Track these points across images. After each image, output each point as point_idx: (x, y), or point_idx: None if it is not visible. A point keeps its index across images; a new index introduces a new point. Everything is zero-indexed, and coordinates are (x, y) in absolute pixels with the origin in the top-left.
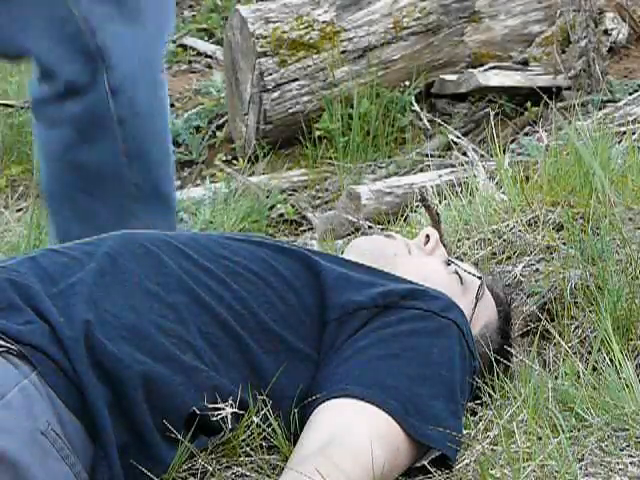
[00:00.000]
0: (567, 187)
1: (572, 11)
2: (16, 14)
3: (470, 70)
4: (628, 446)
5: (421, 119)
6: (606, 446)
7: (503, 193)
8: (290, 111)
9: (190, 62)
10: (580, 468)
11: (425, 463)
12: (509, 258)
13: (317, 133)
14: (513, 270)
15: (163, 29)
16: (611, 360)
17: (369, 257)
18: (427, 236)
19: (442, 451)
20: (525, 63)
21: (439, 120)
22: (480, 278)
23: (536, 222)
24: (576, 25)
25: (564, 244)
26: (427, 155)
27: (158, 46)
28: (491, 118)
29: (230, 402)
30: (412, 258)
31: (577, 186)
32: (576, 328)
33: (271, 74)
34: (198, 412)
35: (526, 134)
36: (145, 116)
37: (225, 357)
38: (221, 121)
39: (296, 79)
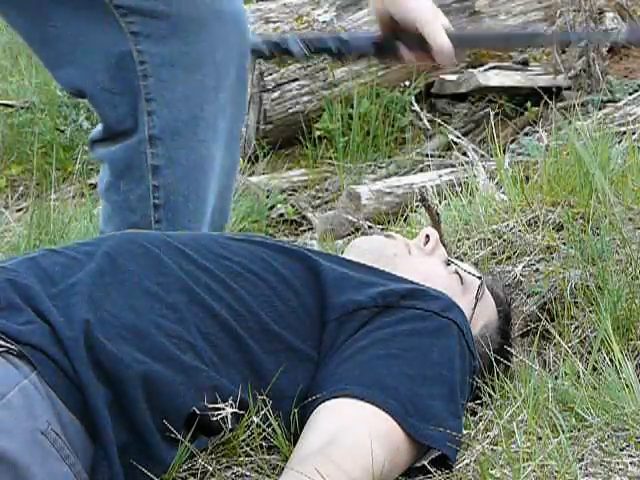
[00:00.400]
0: (567, 187)
1: (572, 11)
2: (76, 48)
3: (470, 70)
4: (628, 446)
5: (421, 119)
6: (606, 446)
7: (503, 193)
8: (290, 111)
9: None
10: (580, 468)
11: (425, 463)
12: (509, 258)
13: (317, 133)
14: (513, 270)
15: (220, 89)
16: (611, 360)
17: (369, 257)
18: (427, 236)
19: (442, 451)
20: (525, 63)
21: (439, 120)
22: (480, 278)
23: (536, 222)
24: (576, 25)
25: (564, 244)
26: (427, 155)
27: (210, 104)
28: (491, 118)
29: (230, 402)
30: (412, 258)
31: (577, 186)
32: (576, 328)
33: (271, 74)
34: (198, 412)
35: (526, 134)
36: (180, 169)
37: (225, 357)
38: None
39: (296, 79)
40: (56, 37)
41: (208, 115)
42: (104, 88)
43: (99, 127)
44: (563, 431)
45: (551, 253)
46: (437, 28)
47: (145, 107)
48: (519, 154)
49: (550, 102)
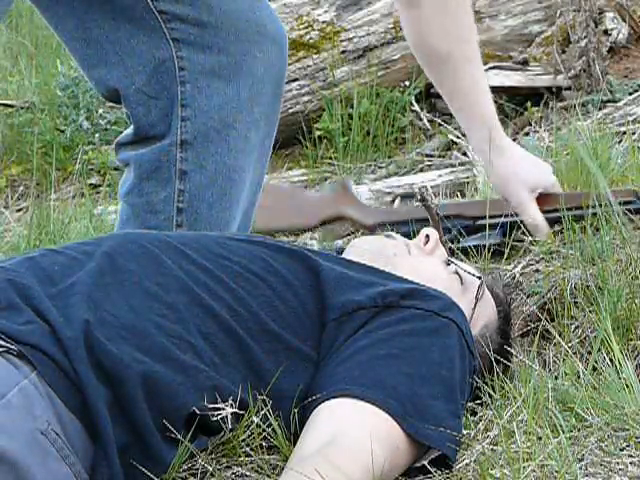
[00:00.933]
0: (567, 187)
1: (572, 11)
2: (119, 49)
3: None
4: (628, 446)
5: (421, 119)
6: (606, 446)
7: None
8: (290, 111)
9: None
10: (580, 468)
11: (425, 463)
12: (509, 258)
13: (317, 133)
14: (513, 270)
15: (255, 102)
16: (611, 360)
17: (369, 257)
18: (427, 236)
19: (442, 451)
20: (525, 63)
21: (439, 120)
22: (480, 278)
23: None
24: (576, 25)
25: (564, 244)
26: (427, 155)
27: (244, 116)
28: None
29: (230, 402)
30: (412, 258)
31: (577, 186)
32: (576, 328)
33: None
34: (198, 412)
35: (526, 134)
36: (207, 175)
37: (225, 357)
38: None
39: (296, 79)
40: (100, 37)
41: (240, 126)
42: (140, 90)
43: (129, 130)
44: (563, 431)
45: (551, 253)
46: (531, 214)
47: (180, 112)
48: None
49: (550, 102)
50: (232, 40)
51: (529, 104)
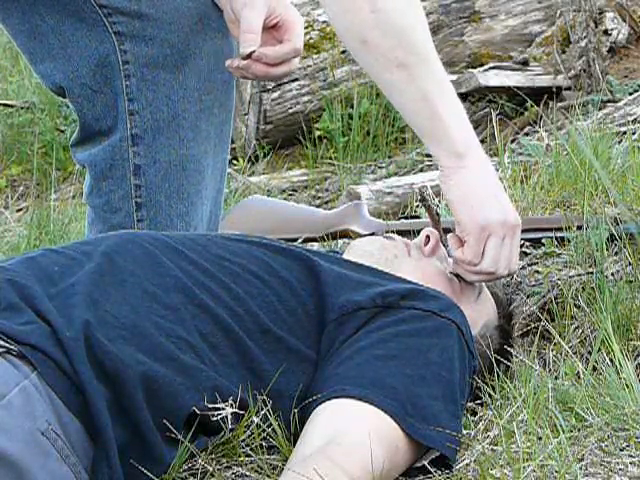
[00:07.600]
0: (567, 187)
1: (572, 11)
2: (62, 43)
3: (470, 70)
4: (628, 446)
5: None
6: (606, 446)
7: None
8: (290, 111)
9: None
10: (580, 468)
11: (425, 463)
12: None
13: (317, 133)
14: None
15: (203, 91)
16: (611, 360)
17: (369, 258)
18: (427, 237)
19: (441, 451)
20: (525, 63)
21: None
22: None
23: None
24: (576, 25)
25: (563, 245)
26: (427, 155)
27: (192, 105)
28: (493, 117)
29: (230, 402)
30: (412, 259)
31: (577, 186)
32: (576, 328)
33: None
34: (198, 412)
35: (526, 134)
36: (161, 167)
37: (224, 357)
38: None
39: (296, 79)
40: (45, 32)
41: (190, 115)
42: (85, 84)
43: (77, 129)
44: (563, 431)
45: (550, 254)
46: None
47: (127, 106)
48: (519, 154)
49: (550, 102)
50: (174, 30)
51: (529, 104)
